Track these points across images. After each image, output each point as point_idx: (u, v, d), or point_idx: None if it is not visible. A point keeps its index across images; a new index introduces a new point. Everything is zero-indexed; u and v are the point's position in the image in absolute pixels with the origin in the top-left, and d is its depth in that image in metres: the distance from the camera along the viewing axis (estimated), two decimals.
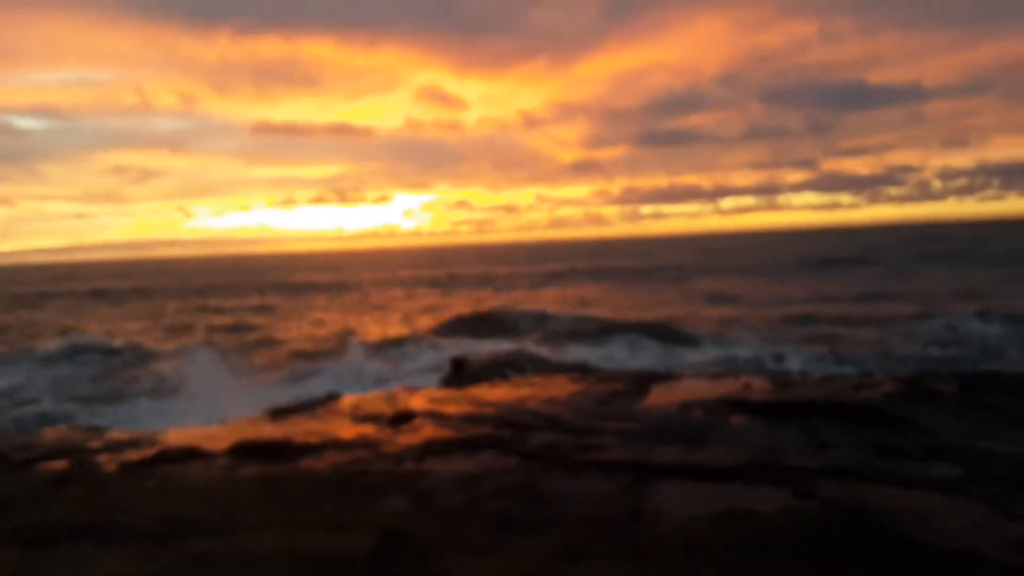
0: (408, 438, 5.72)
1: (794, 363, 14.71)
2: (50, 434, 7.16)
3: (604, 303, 37.17)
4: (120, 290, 64.13)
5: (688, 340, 21.22)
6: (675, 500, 4.23)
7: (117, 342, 25.24)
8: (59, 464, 5.77)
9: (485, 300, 40.82)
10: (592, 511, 4.09)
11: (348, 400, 7.78)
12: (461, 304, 38.30)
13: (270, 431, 6.57)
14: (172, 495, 3.98)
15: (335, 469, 4.97)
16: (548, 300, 39.26)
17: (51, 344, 24.77)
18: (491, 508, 4.11)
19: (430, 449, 5.34)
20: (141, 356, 22.53)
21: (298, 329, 28.99)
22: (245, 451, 5.73)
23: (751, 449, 5.17)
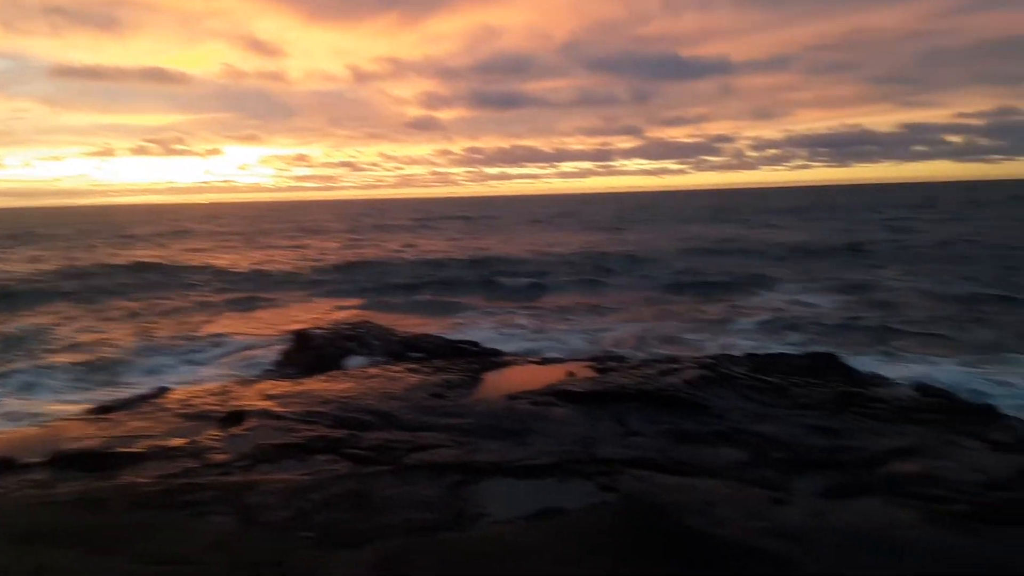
0: (238, 443, 5.69)
1: None
2: None
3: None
4: None
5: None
6: (494, 501, 4.59)
7: None
8: None
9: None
10: (417, 517, 4.33)
11: (177, 395, 7.54)
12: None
13: (93, 435, 6.28)
14: None
15: (159, 483, 4.88)
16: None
17: None
18: (318, 521, 4.24)
19: (260, 456, 5.36)
20: None
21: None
22: (65, 461, 5.47)
23: (568, 441, 5.65)
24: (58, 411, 9.04)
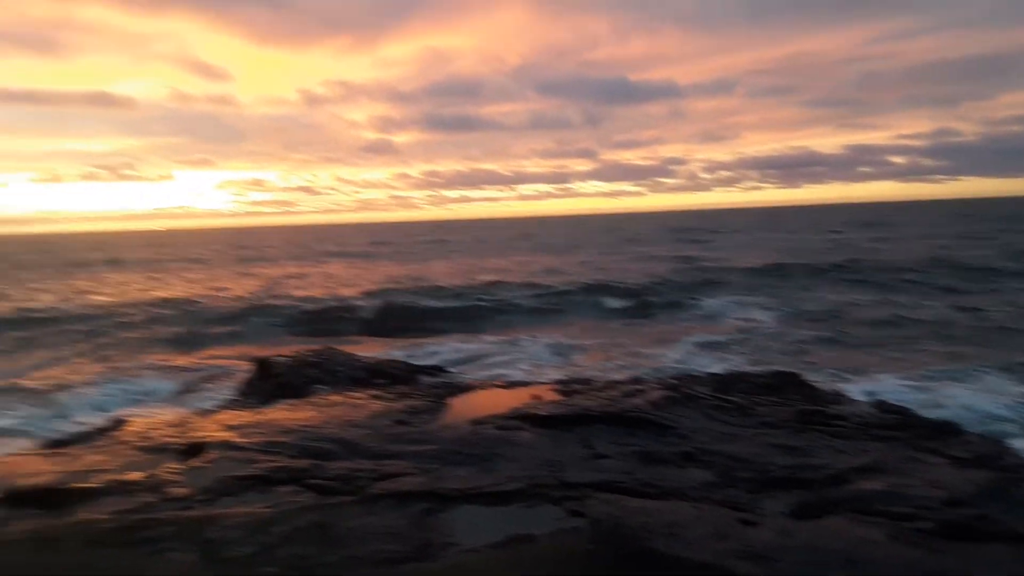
0: (198, 476, 5.55)
1: None
2: None
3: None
4: None
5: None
6: (461, 529, 4.54)
7: None
8: None
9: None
10: (383, 549, 4.27)
11: (134, 427, 7.33)
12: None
13: (46, 471, 6.06)
14: None
15: (116, 520, 4.74)
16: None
17: None
18: (282, 556, 4.16)
19: (221, 489, 5.24)
20: None
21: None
22: (17, 499, 5.26)
23: (535, 465, 5.63)
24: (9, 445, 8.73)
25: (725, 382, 7.99)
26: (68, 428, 9.22)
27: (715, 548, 4.10)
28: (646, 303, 24.85)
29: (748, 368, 10.79)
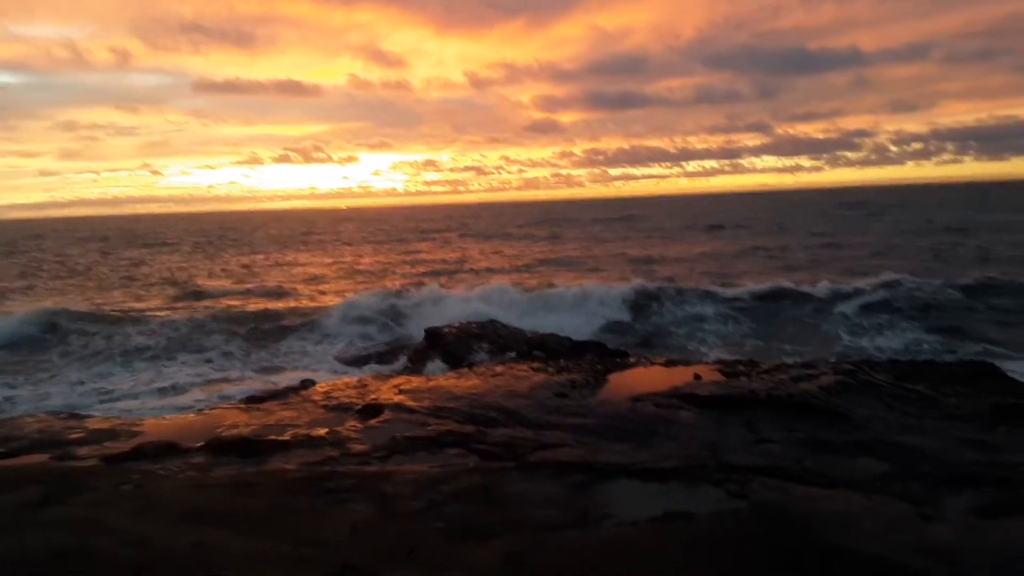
0: (375, 434, 6.01)
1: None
2: (31, 423, 7.34)
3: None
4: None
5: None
6: (619, 503, 4.59)
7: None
8: (38, 459, 6.01)
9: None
10: (543, 515, 4.42)
11: (321, 388, 8.05)
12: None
13: (245, 423, 6.82)
14: (147, 509, 4.23)
15: (305, 470, 5.25)
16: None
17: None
18: (449, 513, 4.42)
19: (395, 447, 5.65)
20: None
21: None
22: (220, 448, 5.98)
23: (695, 445, 5.55)
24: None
25: (908, 370, 7.38)
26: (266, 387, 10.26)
27: (891, 542, 3.87)
28: None
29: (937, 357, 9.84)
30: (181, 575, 3.13)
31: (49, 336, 17.06)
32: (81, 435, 6.75)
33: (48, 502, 4.30)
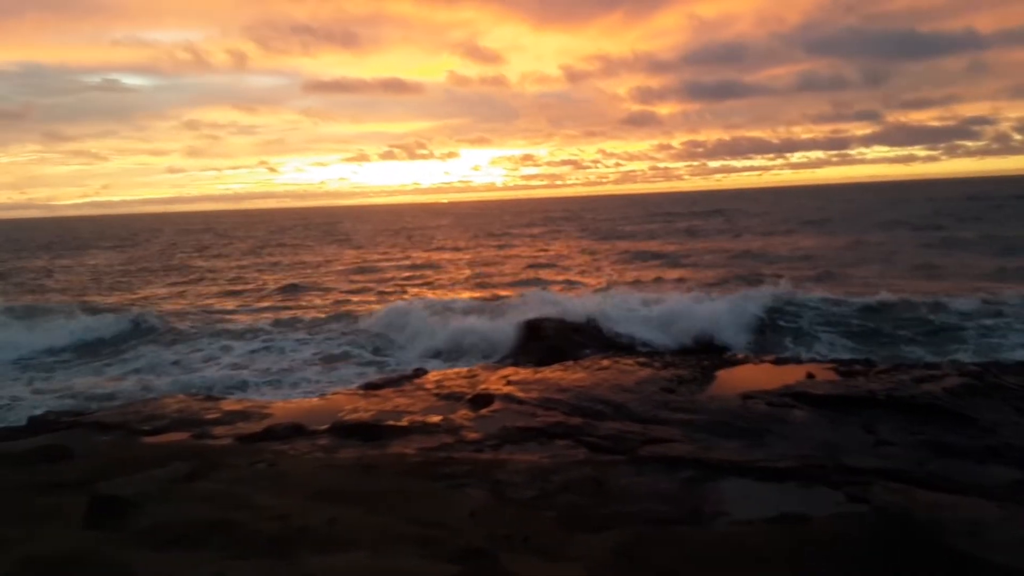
0: (487, 423, 6.21)
1: None
2: (171, 404, 7.99)
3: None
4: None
5: None
6: (732, 501, 4.57)
7: None
8: (181, 437, 6.55)
9: None
10: (654, 509, 4.46)
11: (433, 377, 8.34)
12: None
13: (365, 408, 7.17)
14: (282, 486, 4.56)
15: (422, 455, 5.50)
16: None
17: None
18: (560, 503, 4.53)
19: (506, 436, 5.81)
20: None
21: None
22: (343, 431, 6.33)
23: (809, 446, 5.42)
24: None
25: None
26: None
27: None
28: None
29: None
30: (320, 549, 3.37)
31: (158, 325, 17.56)
32: (216, 415, 7.31)
33: (193, 477, 4.69)
